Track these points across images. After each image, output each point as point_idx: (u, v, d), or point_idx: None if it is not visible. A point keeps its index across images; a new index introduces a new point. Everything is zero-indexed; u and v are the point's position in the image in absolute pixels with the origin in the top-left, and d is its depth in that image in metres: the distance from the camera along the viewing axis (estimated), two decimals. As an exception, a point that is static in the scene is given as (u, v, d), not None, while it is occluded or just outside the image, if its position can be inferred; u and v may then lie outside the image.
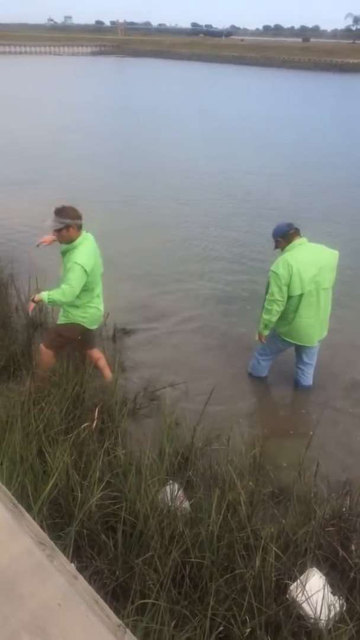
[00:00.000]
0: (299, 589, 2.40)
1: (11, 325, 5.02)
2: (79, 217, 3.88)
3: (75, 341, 4.22)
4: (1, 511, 1.91)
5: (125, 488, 2.87)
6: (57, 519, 2.69)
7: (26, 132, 17.22)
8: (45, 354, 4.15)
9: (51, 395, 3.64)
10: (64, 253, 3.93)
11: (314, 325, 4.32)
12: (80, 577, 1.72)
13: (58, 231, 3.83)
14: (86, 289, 3.95)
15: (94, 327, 4.27)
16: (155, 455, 3.32)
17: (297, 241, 4.22)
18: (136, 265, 7.28)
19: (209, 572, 2.45)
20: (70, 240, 3.87)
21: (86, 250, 3.87)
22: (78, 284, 3.81)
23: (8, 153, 14.10)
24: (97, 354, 4.50)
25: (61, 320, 4.12)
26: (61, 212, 3.83)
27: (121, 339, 5.41)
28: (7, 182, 11.21)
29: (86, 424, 3.37)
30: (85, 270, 3.80)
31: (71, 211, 3.84)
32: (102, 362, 4.50)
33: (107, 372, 4.50)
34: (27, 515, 2.00)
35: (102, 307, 4.26)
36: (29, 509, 2.13)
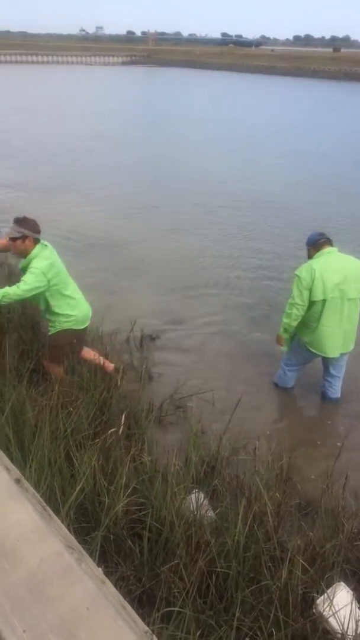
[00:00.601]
0: (326, 603, 2.36)
1: (40, 329, 5.07)
2: (38, 232, 3.91)
3: (72, 345, 4.22)
4: (31, 513, 1.93)
5: (151, 495, 2.87)
6: (84, 523, 2.71)
7: (56, 139, 17.49)
8: (51, 367, 4.22)
9: (79, 400, 3.67)
10: (23, 269, 3.94)
11: (337, 335, 4.27)
12: (108, 582, 1.72)
13: (14, 240, 3.84)
14: (58, 293, 3.98)
15: (83, 326, 4.24)
16: (181, 463, 3.31)
17: (326, 249, 4.22)
18: (162, 273, 7.32)
19: (234, 582, 2.43)
20: (24, 253, 3.89)
21: (44, 255, 3.88)
22: (32, 284, 3.77)
23: (37, 160, 14.34)
24: (89, 353, 4.48)
25: (50, 331, 4.17)
26: (21, 222, 3.87)
27: (148, 346, 5.44)
28: (38, 188, 11.40)
29: (113, 429, 3.39)
30: (43, 273, 3.79)
31: (31, 223, 3.89)
32: (98, 358, 4.46)
33: (108, 364, 4.47)
34: (55, 518, 2.02)
35: (85, 304, 4.26)
36: (56, 512, 2.14)
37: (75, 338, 4.21)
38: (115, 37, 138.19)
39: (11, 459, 2.45)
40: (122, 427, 3.47)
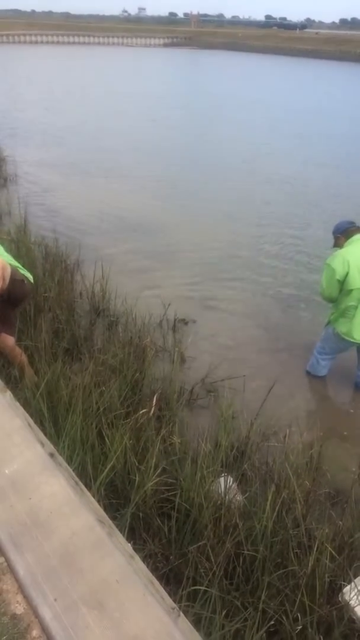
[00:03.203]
0: (353, 592, 2.35)
1: (75, 310, 5.14)
2: None
3: None
4: (64, 487, 1.97)
5: (180, 476, 2.90)
6: (113, 500, 2.75)
7: (97, 122, 17.53)
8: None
9: (111, 380, 3.72)
10: None
11: None
12: (137, 557, 1.75)
13: None
14: None
15: None
16: (211, 447, 3.32)
17: (356, 237, 4.12)
18: (198, 257, 7.29)
19: (261, 566, 2.44)
20: None
21: None
22: None
23: (75, 142, 14.39)
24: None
25: None
26: None
27: (181, 329, 5.44)
28: (76, 171, 11.46)
29: (144, 410, 3.42)
30: None
31: None
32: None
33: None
34: (87, 492, 2.06)
35: None
36: (87, 487, 2.19)
37: None
38: (157, 19, 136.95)
39: (45, 434, 2.51)
40: (153, 408, 3.49)
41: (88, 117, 18.38)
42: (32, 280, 4.03)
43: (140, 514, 2.63)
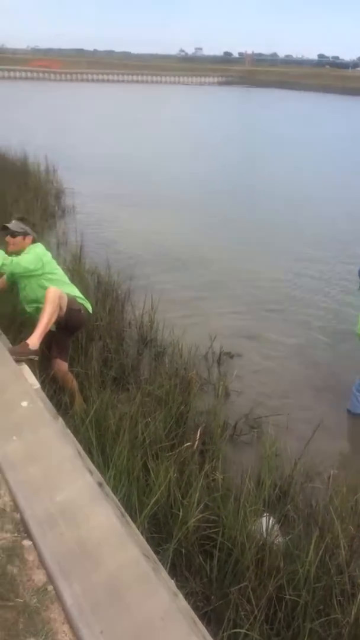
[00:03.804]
0: None
1: (124, 339, 5.24)
2: (36, 232, 4.17)
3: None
4: (111, 518, 2.01)
5: (222, 513, 2.89)
6: (155, 534, 2.76)
7: (149, 156, 18.03)
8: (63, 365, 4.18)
9: (157, 412, 3.76)
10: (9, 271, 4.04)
11: None
12: (180, 595, 1.76)
13: (14, 236, 3.98)
14: (59, 282, 4.07)
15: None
16: (254, 485, 3.30)
17: None
18: (243, 290, 7.33)
19: (303, 612, 2.39)
20: (20, 250, 4.00)
21: (39, 246, 4.07)
22: (28, 261, 3.86)
23: (128, 175, 14.79)
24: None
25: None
26: (24, 220, 4.10)
27: (226, 363, 5.45)
28: (129, 202, 11.78)
29: (188, 443, 3.44)
30: (39, 255, 3.93)
31: (31, 225, 4.12)
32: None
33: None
34: (133, 525, 2.09)
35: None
36: (133, 519, 2.22)
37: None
38: (212, 58, 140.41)
39: (93, 462, 2.56)
40: (197, 442, 3.50)
41: (141, 151, 18.93)
42: (90, 309, 4.19)
43: (183, 550, 2.62)
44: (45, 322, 3.61)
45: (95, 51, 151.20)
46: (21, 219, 4.12)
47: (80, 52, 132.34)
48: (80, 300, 4.09)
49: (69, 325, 4.00)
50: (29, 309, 4.15)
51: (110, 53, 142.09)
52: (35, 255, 3.92)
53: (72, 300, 3.92)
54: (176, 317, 5.93)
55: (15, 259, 3.83)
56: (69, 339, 4.20)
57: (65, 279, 4.21)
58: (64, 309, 3.79)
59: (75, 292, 4.14)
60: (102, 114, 32.45)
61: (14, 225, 4.03)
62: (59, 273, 4.15)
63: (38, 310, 3.84)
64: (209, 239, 9.55)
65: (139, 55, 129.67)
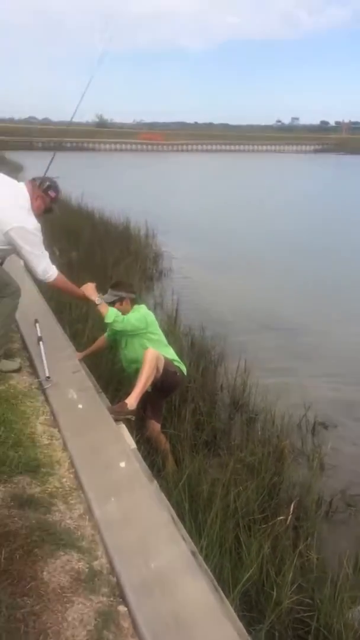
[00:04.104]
0: None
1: (217, 402, 5.23)
2: (133, 292, 4.20)
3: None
4: (205, 591, 1.97)
5: (317, 597, 2.72)
6: (246, 612, 2.64)
7: (243, 220, 18.44)
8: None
9: (249, 481, 3.67)
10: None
11: None
12: None
13: (112, 304, 4.05)
14: (159, 342, 4.14)
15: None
16: (351, 568, 3.09)
17: None
18: (341, 360, 7.10)
19: None
20: (124, 315, 4.06)
21: (143, 307, 4.16)
22: (135, 320, 3.95)
23: (223, 239, 15.13)
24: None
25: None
26: (116, 286, 4.14)
27: (321, 433, 5.25)
28: (224, 266, 12.01)
29: (281, 517, 3.31)
30: (144, 316, 4.02)
31: (126, 285, 4.18)
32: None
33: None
34: (227, 601, 2.03)
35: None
36: (225, 594, 2.14)
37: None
38: (309, 127, 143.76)
39: (185, 529, 2.54)
40: (290, 517, 3.37)
41: (235, 216, 19.44)
42: (184, 372, 4.27)
43: (276, 633, 2.49)
44: (143, 382, 3.71)
45: (195, 124, 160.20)
46: (115, 286, 4.28)
47: (182, 125, 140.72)
48: (176, 363, 4.19)
49: (164, 386, 4.09)
50: (128, 368, 4.30)
51: (209, 125, 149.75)
52: (141, 315, 4.07)
53: (168, 362, 4.02)
54: (269, 382, 5.85)
55: (125, 317, 3.99)
56: (163, 400, 4.29)
57: (164, 340, 4.33)
58: (161, 370, 3.89)
59: (172, 354, 4.25)
60: (199, 181, 33.92)
61: (107, 297, 4.19)
62: (160, 334, 4.28)
63: (137, 370, 3.97)
64: (303, 302, 9.46)
65: (237, 126, 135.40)
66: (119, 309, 4.16)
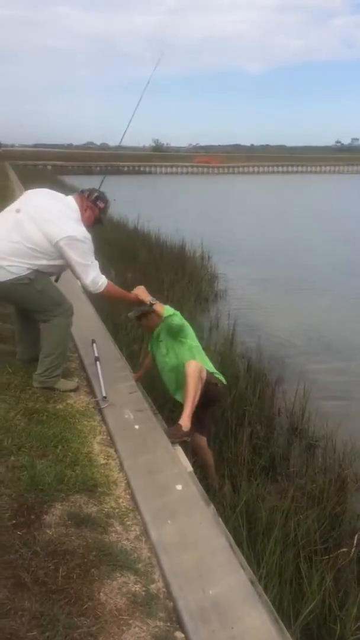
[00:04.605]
0: None
1: (274, 427, 5.12)
2: (189, 315, 4.12)
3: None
4: (266, 623, 1.89)
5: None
6: (307, 648, 2.53)
7: (297, 242, 18.21)
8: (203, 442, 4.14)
9: (309, 509, 3.55)
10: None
11: None
12: None
13: (139, 319, 4.08)
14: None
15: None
16: None
17: None
18: None
19: None
20: (154, 326, 4.06)
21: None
22: (180, 319, 3.92)
23: (278, 260, 14.96)
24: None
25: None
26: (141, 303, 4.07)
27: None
28: (280, 288, 11.85)
29: (344, 549, 3.17)
30: (178, 313, 3.92)
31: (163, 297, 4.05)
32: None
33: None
34: (287, 634, 1.95)
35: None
36: (286, 626, 2.05)
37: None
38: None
39: (243, 555, 2.46)
40: (354, 549, 3.22)
41: (290, 237, 19.23)
42: (224, 382, 4.20)
43: (339, 673, 2.36)
44: (191, 398, 3.61)
45: (251, 146, 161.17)
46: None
47: (237, 148, 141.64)
48: (216, 375, 4.12)
49: (207, 398, 4.01)
50: (166, 377, 4.17)
51: (266, 147, 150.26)
52: (177, 314, 3.99)
53: (210, 374, 3.97)
54: (329, 407, 5.68)
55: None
56: (206, 412, 4.20)
57: (206, 358, 4.26)
58: (204, 379, 3.83)
59: (210, 366, 4.16)
60: (254, 203, 33.89)
61: (134, 311, 4.23)
62: (198, 342, 4.20)
63: (177, 380, 3.96)
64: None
65: (294, 147, 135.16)
66: (146, 324, 4.22)
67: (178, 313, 4.00)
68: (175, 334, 3.96)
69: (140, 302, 4.08)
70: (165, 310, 3.90)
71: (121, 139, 5.89)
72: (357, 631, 2.52)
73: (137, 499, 2.74)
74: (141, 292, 4.07)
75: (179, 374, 3.87)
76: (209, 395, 3.98)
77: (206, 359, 4.15)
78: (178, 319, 3.91)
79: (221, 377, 4.20)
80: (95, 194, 4.04)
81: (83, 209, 3.94)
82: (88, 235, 3.82)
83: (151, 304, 3.98)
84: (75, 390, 4.14)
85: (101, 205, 4.05)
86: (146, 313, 4.15)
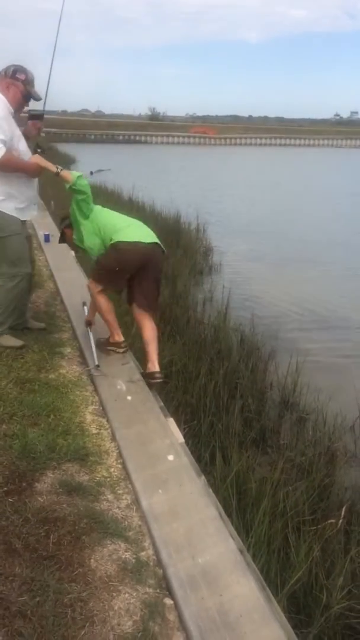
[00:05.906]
0: None
1: (266, 400, 5.15)
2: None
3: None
4: (253, 590, 1.92)
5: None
6: (293, 614, 2.58)
7: (293, 215, 18.07)
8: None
9: (298, 481, 3.59)
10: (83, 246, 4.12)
11: None
12: None
13: (63, 236, 4.23)
14: None
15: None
16: None
17: None
18: None
19: None
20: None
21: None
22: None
23: (274, 234, 14.85)
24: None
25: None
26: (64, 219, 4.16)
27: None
28: (276, 262, 11.79)
29: (332, 520, 3.21)
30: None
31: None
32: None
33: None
34: (275, 602, 1.98)
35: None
36: (273, 594, 2.09)
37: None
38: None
39: (233, 525, 2.49)
40: (341, 521, 3.26)
41: (286, 210, 19.08)
42: (146, 242, 4.06)
43: (325, 638, 2.41)
44: (101, 316, 4.04)
45: (250, 117, 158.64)
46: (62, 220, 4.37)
47: (235, 119, 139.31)
48: (127, 240, 3.93)
49: (125, 265, 3.98)
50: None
51: (264, 119, 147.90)
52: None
53: (115, 244, 3.88)
54: (321, 382, 5.70)
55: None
56: (133, 281, 4.13)
57: (120, 223, 4.06)
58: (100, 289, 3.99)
59: (129, 235, 3.97)
60: (250, 175, 33.52)
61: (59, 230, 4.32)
62: (112, 217, 4.12)
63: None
64: (358, 301, 9.19)
65: (293, 120, 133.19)
66: (70, 237, 4.20)
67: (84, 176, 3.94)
68: (84, 203, 3.89)
69: (43, 171, 3.90)
70: (72, 174, 3.80)
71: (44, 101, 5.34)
72: (343, 600, 2.57)
73: (128, 468, 2.76)
74: (39, 159, 3.87)
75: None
76: (124, 259, 3.91)
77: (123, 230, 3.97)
78: (85, 181, 3.84)
79: (146, 239, 4.05)
80: (12, 68, 3.76)
81: (5, 90, 3.70)
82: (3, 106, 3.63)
83: (57, 173, 3.81)
84: (20, 348, 4.08)
85: (21, 77, 3.76)
86: (67, 228, 4.17)
